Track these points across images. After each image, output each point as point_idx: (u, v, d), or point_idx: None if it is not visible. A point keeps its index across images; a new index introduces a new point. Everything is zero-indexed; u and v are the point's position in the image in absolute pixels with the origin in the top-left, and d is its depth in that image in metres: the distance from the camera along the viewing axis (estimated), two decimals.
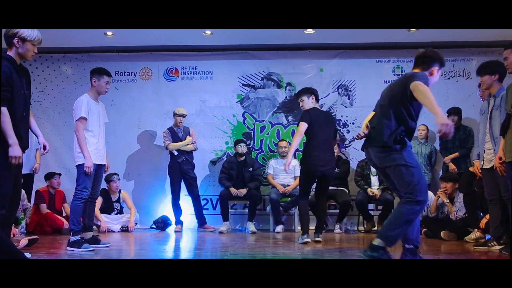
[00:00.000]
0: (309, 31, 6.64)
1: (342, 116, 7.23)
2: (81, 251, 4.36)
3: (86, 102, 4.59)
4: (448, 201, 5.83)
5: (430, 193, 6.29)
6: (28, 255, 3.73)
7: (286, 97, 7.42)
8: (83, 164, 4.47)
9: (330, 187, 5.68)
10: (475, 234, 5.18)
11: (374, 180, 6.53)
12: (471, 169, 5.41)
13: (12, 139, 3.36)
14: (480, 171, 4.76)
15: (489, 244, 4.62)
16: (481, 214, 5.37)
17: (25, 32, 3.46)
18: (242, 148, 6.78)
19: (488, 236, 4.98)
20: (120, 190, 6.82)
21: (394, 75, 7.15)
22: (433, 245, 5.12)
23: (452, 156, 6.43)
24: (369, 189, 6.44)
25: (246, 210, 6.80)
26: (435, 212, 5.93)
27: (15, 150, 3.37)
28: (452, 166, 6.36)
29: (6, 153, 3.38)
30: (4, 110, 3.31)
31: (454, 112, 6.55)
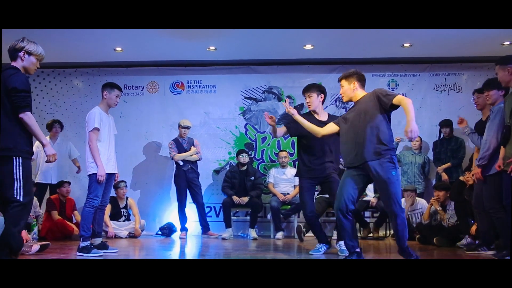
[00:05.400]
0: (308, 46, 6.87)
1: None
2: (90, 256, 4.40)
3: (99, 114, 4.68)
4: (441, 208, 5.95)
5: (423, 201, 6.54)
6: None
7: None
8: (95, 173, 4.53)
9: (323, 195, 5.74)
10: (466, 240, 5.30)
11: (370, 188, 6.62)
12: (461, 178, 5.60)
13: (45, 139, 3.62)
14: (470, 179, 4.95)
15: (479, 249, 4.73)
16: (472, 221, 5.46)
17: (31, 47, 3.62)
18: (244, 158, 6.92)
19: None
20: (127, 198, 6.97)
21: (389, 88, 7.35)
22: (426, 250, 5.23)
23: (444, 166, 6.56)
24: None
25: (248, 218, 6.92)
26: (428, 219, 6.04)
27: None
28: (444, 176, 6.49)
29: None
30: (30, 114, 3.48)
31: (446, 124, 6.70)
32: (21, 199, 3.39)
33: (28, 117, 3.45)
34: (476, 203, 4.71)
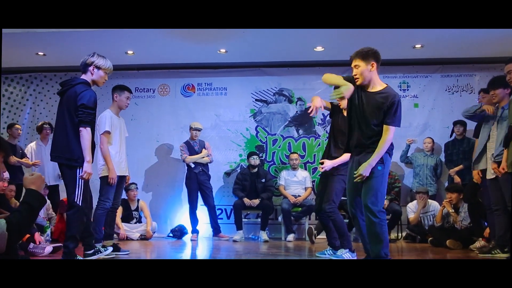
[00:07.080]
0: (319, 48, 6.84)
1: None
2: (102, 258, 4.39)
3: (110, 117, 4.77)
4: (453, 211, 5.90)
5: (435, 203, 6.48)
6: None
7: (297, 111, 7.58)
8: (107, 176, 4.60)
9: (342, 198, 5.43)
10: (479, 242, 5.24)
11: None
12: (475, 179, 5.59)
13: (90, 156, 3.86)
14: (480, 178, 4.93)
15: (493, 252, 4.66)
16: (485, 223, 5.42)
17: (100, 61, 3.91)
18: (255, 160, 6.93)
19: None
20: (138, 200, 7.03)
21: (400, 90, 7.32)
22: (439, 253, 5.20)
23: (456, 168, 6.46)
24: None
25: (259, 220, 6.90)
26: (440, 222, 5.99)
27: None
28: (457, 179, 6.40)
29: None
30: (89, 130, 3.79)
31: (460, 122, 6.58)
32: (80, 204, 3.78)
33: (86, 132, 3.78)
34: (495, 203, 4.65)
